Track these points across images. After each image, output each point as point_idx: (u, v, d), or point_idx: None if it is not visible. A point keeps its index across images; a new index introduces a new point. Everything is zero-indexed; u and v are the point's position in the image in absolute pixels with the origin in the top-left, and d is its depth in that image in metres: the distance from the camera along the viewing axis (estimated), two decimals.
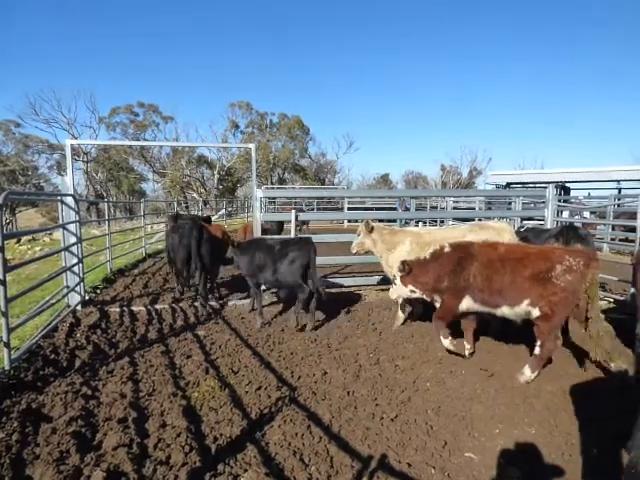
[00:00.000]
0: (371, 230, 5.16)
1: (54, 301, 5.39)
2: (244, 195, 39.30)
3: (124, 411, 3.00)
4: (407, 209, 17.21)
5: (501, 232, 5.06)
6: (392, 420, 3.03)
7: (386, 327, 5.09)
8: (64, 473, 2.30)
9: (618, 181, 18.41)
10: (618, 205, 11.66)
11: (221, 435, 2.77)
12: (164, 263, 9.39)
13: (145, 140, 38.32)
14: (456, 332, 4.35)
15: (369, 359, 4.15)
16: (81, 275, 5.90)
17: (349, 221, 18.87)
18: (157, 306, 6.00)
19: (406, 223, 13.36)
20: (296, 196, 22.27)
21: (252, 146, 7.00)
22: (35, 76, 58.34)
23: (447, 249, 4.00)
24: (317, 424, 2.94)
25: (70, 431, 2.71)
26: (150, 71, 67.52)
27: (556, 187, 14.00)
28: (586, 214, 12.26)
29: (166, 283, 7.69)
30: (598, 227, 12.24)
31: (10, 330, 3.67)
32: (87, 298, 6.24)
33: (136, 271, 8.99)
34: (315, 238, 7.06)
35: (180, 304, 6.12)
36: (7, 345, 3.58)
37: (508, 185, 21.50)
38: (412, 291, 4.17)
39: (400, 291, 4.24)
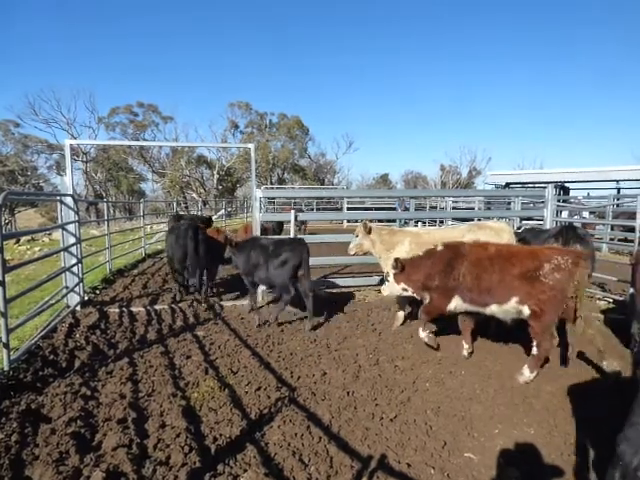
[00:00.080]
0: (369, 231, 5.16)
1: (53, 302, 5.39)
2: (243, 195, 39.26)
3: (123, 411, 3.00)
4: (406, 209, 17.23)
5: (500, 232, 5.07)
6: (391, 420, 3.03)
7: (385, 327, 5.10)
8: (63, 474, 2.30)
9: (617, 181, 18.43)
10: (617, 205, 11.67)
11: (221, 435, 2.77)
12: (163, 263, 9.40)
13: (144, 140, 38.30)
14: (455, 332, 4.36)
15: (368, 359, 4.15)
16: (80, 275, 5.90)
17: (348, 221, 18.88)
18: (156, 306, 6.00)
19: (405, 223, 13.38)
20: (295, 196, 22.25)
21: (251, 146, 7.00)
22: (35, 76, 58.23)
23: (439, 249, 4.07)
24: (317, 424, 2.94)
25: (69, 432, 2.71)
26: (150, 71, 67.39)
27: (555, 187, 14.02)
28: (585, 214, 12.27)
29: (165, 283, 7.69)
30: (597, 227, 12.26)
31: (9, 331, 3.66)
32: (86, 299, 6.24)
33: (135, 271, 8.99)
34: (314, 238, 7.09)
35: (179, 304, 6.12)
36: (6, 346, 3.58)
37: (507, 185, 21.50)
38: (404, 289, 4.23)
39: (392, 288, 4.30)
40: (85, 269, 6.44)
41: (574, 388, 3.47)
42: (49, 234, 15.60)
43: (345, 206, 22.00)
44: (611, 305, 5.83)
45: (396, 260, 4.20)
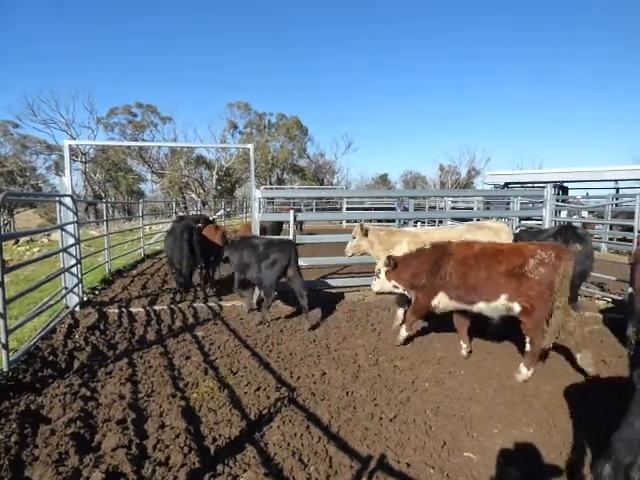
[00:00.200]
0: (366, 233, 5.16)
1: (52, 302, 5.38)
2: (243, 195, 39.28)
3: (123, 412, 3.00)
4: (406, 209, 17.22)
5: (498, 232, 5.08)
6: (391, 420, 3.03)
7: (385, 327, 5.10)
8: (63, 474, 2.30)
9: (616, 181, 18.43)
10: (616, 205, 11.69)
11: (220, 436, 2.77)
12: (162, 264, 9.40)
13: (143, 140, 38.26)
14: (454, 332, 4.36)
15: (368, 359, 4.16)
16: (79, 276, 5.89)
17: (347, 221, 18.89)
18: (156, 307, 6.00)
19: (404, 223, 13.38)
20: (295, 196, 22.26)
21: (250, 146, 7.00)
22: (34, 76, 58.35)
23: (426, 248, 4.15)
24: (316, 424, 2.94)
25: (69, 432, 2.71)
26: (149, 71, 67.38)
27: (554, 187, 14.00)
28: (584, 214, 12.29)
29: (165, 284, 7.68)
30: (596, 227, 12.28)
31: (8, 332, 3.66)
32: (85, 299, 6.23)
33: (135, 272, 8.97)
34: (314, 238, 7.10)
35: (178, 305, 6.12)
36: (5, 347, 3.57)
37: (506, 185, 21.49)
38: (395, 286, 4.30)
39: (383, 285, 4.36)
40: (84, 270, 6.43)
41: (573, 388, 3.47)
42: (48, 235, 15.57)
43: (344, 206, 22.00)
44: (610, 305, 5.85)
45: (388, 257, 4.28)
